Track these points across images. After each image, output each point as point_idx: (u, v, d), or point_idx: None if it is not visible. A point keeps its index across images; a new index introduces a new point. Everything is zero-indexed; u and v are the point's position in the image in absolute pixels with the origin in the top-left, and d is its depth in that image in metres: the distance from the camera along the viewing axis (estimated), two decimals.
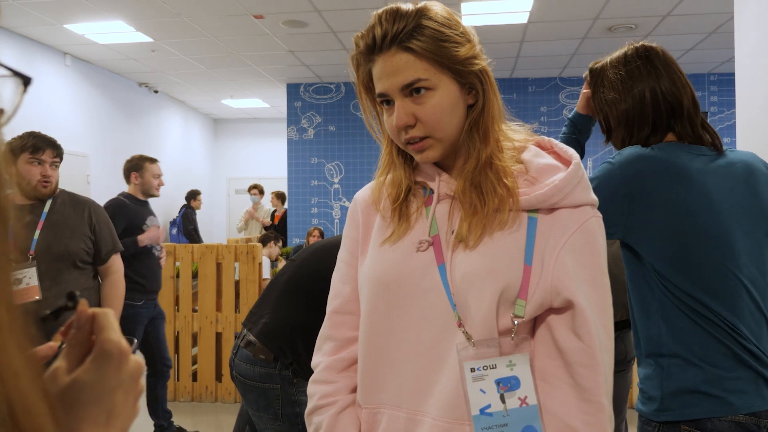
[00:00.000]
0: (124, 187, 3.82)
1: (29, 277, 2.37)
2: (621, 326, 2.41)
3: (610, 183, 1.34)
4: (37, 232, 2.44)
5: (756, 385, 1.29)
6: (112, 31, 5.74)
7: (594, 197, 0.95)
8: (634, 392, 4.33)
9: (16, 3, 4.95)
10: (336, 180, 7.91)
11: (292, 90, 8.00)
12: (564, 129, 1.74)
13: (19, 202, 2.40)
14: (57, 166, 2.54)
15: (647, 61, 1.43)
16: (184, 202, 8.59)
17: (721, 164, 1.37)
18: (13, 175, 0.33)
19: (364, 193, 1.09)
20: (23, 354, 0.32)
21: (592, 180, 1.29)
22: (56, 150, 2.53)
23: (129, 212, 3.69)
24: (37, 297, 2.37)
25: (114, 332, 0.51)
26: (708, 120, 7.95)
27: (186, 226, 8.23)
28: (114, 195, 3.73)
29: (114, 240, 2.76)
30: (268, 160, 10.79)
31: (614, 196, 1.33)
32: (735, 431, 1.27)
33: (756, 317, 1.33)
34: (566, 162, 0.97)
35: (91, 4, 5.01)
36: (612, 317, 0.92)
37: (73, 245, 2.55)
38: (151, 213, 3.85)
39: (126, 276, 3.62)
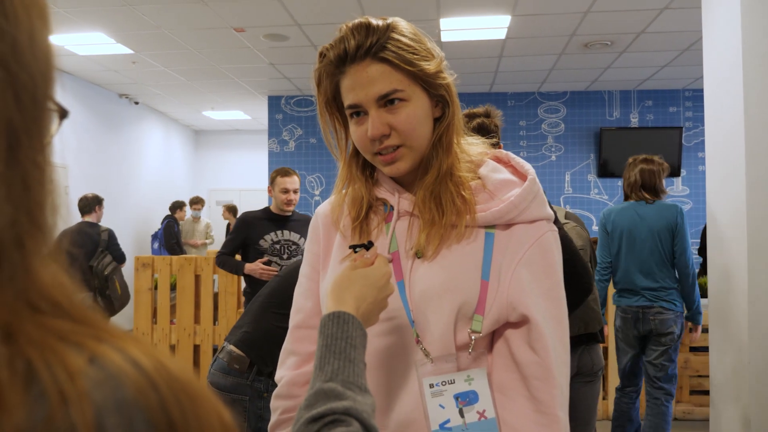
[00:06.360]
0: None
1: None
2: (586, 339, 2.42)
3: None
4: None
5: (633, 295, 3.27)
6: (92, 43, 5.72)
7: (549, 212, 0.97)
8: (609, 403, 4.35)
9: None
10: (317, 192, 7.93)
11: (274, 102, 8.01)
12: None
13: None
14: None
15: None
16: (168, 213, 8.46)
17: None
18: None
19: (324, 208, 1.10)
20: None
21: None
22: None
23: (248, 227, 3.63)
24: None
25: (385, 265, 0.89)
26: (683, 135, 8.07)
27: (168, 240, 7.91)
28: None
29: None
30: (249, 172, 10.76)
31: None
32: (620, 313, 3.35)
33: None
34: (523, 177, 0.99)
35: (72, 15, 5.00)
36: (567, 328, 0.95)
37: None
38: (280, 228, 3.65)
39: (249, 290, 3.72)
